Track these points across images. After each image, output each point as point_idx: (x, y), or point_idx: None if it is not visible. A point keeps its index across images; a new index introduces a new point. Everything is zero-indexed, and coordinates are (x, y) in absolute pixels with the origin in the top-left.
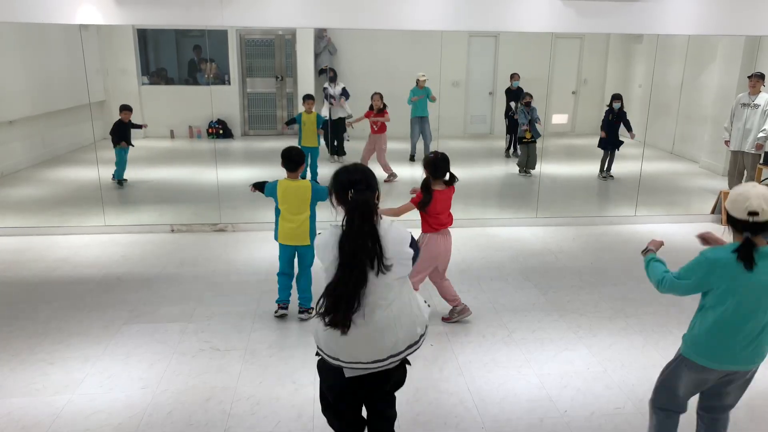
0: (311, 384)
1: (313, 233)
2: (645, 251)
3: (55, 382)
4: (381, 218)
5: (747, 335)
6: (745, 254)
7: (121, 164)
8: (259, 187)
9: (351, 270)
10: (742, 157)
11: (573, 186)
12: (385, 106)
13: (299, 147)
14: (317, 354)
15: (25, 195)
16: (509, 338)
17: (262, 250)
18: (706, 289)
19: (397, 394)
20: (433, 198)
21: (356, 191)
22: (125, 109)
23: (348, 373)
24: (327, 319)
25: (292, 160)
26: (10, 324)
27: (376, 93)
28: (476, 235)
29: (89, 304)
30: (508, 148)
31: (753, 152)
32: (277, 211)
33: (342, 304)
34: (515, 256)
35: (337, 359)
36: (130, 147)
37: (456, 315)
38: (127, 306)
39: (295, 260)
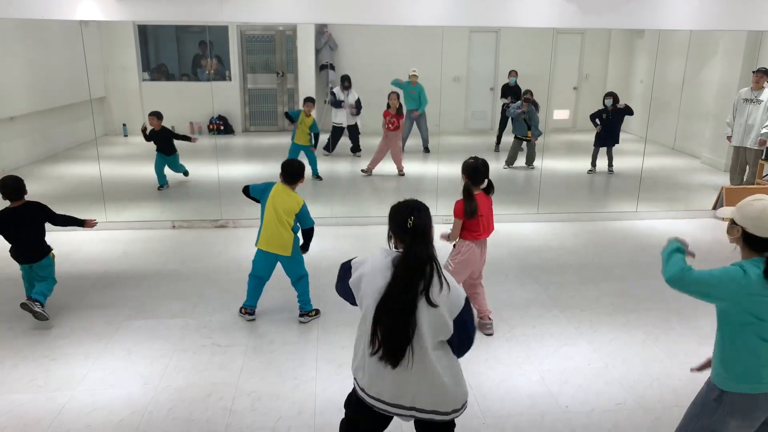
0: (312, 380)
1: (295, 246)
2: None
3: (56, 378)
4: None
5: None
6: None
7: (158, 169)
8: (247, 191)
9: (401, 296)
10: (744, 152)
11: (574, 182)
12: (401, 106)
13: (299, 160)
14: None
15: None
16: (510, 334)
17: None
18: (720, 300)
19: None
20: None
21: (416, 217)
22: (151, 115)
23: (377, 409)
24: (381, 353)
25: (294, 174)
26: (12, 320)
27: (393, 92)
28: None
29: (90, 301)
30: (497, 145)
31: (755, 148)
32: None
33: (396, 334)
34: (516, 252)
35: (380, 399)
36: (177, 154)
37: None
38: (128, 302)
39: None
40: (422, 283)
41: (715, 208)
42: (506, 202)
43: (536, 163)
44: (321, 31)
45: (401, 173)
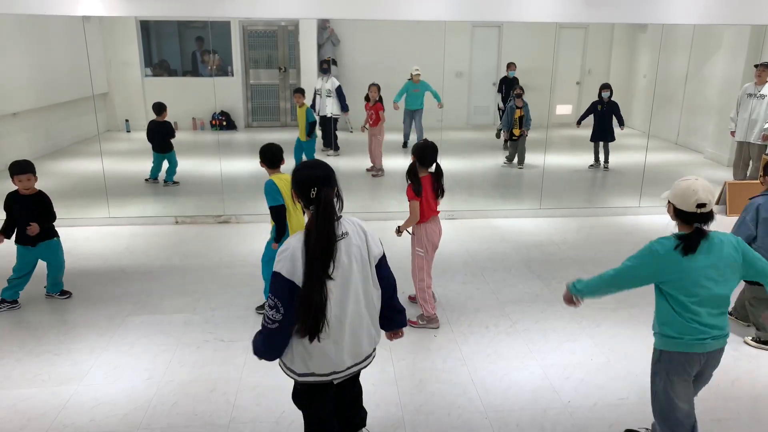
0: None
1: None
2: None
3: (60, 373)
4: (341, 217)
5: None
6: (692, 243)
7: (157, 167)
8: (280, 231)
9: (319, 273)
10: (747, 147)
11: (577, 177)
12: (380, 98)
13: (275, 143)
14: (298, 389)
15: None
16: (512, 329)
17: (265, 242)
18: (655, 281)
19: (400, 384)
20: (422, 184)
21: (319, 189)
22: (157, 107)
23: (337, 381)
24: (302, 330)
25: (276, 157)
26: (17, 315)
27: (373, 84)
28: (479, 226)
29: (94, 296)
30: (506, 140)
31: (759, 143)
32: (280, 212)
33: (314, 311)
34: (518, 248)
35: (331, 373)
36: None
37: (423, 322)
38: (131, 298)
39: None
40: (330, 261)
41: (718, 203)
42: (508, 198)
43: (538, 158)
44: (323, 26)
45: (378, 172)
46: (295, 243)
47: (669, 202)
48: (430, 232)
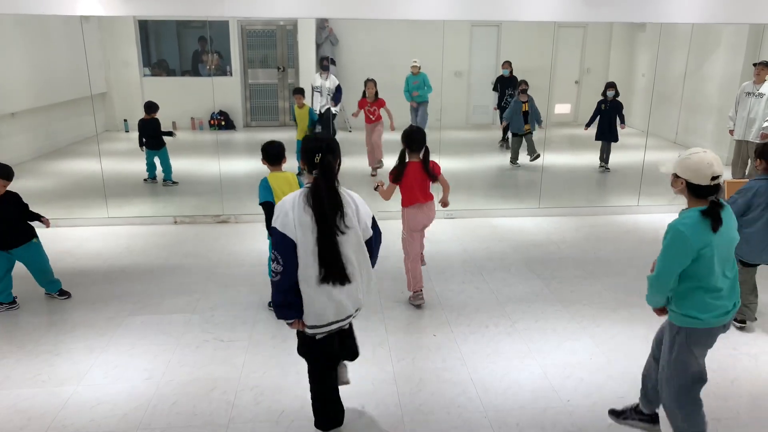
0: None
1: None
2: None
3: (60, 373)
4: (340, 184)
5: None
6: (716, 216)
7: (149, 165)
8: (269, 219)
9: (327, 225)
10: (746, 146)
11: (576, 176)
12: (377, 93)
13: (278, 140)
14: (302, 340)
15: (27, 187)
16: (512, 329)
17: (264, 242)
18: (693, 259)
19: (400, 383)
20: (407, 170)
21: (323, 155)
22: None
23: (322, 335)
24: (325, 274)
25: (277, 155)
26: (16, 316)
27: (369, 80)
28: (479, 225)
29: (93, 296)
30: (503, 139)
31: (757, 142)
32: (268, 207)
33: (334, 259)
34: (518, 247)
35: (329, 323)
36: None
37: (411, 299)
38: (131, 297)
39: None
40: (337, 210)
41: None
42: (508, 197)
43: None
44: (322, 25)
45: (374, 172)
46: (288, 199)
47: (676, 176)
48: (410, 218)
